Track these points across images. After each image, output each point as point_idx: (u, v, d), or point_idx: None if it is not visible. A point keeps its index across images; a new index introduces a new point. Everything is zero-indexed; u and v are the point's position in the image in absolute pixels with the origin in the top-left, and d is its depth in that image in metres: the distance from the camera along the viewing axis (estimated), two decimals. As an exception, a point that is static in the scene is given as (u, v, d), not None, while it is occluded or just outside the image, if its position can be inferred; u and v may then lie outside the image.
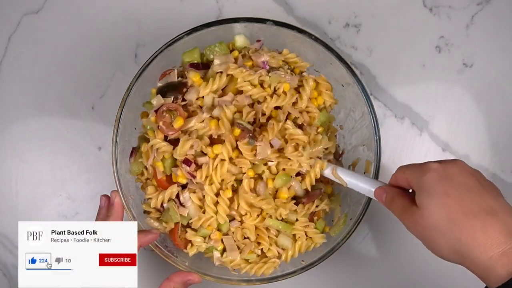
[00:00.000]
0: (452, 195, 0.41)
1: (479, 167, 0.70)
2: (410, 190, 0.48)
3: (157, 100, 0.56)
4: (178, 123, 0.55)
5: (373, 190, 0.51)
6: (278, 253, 0.60)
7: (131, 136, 0.61)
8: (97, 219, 0.55)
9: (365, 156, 0.60)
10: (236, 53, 0.59)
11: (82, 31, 0.72)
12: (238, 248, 0.59)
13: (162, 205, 0.58)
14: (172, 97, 0.56)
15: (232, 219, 0.59)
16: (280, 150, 0.56)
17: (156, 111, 0.56)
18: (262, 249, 0.60)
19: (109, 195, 0.56)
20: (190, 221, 0.58)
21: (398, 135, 0.70)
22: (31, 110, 0.71)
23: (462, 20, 0.71)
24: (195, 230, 0.59)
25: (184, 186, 0.58)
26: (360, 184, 0.53)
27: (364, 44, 0.71)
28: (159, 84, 0.59)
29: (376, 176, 0.57)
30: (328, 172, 0.56)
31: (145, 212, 0.61)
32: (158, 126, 0.56)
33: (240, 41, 0.60)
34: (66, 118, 0.71)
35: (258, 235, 0.59)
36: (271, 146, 0.55)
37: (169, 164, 0.57)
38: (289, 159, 0.56)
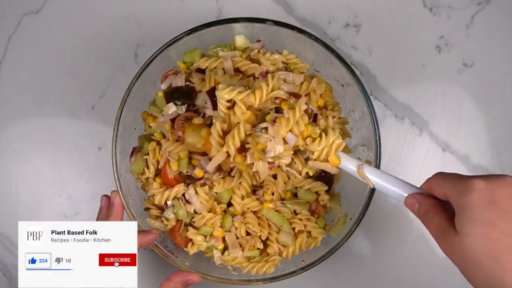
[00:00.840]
0: (498, 225, 0.36)
1: (479, 167, 0.70)
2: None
3: (171, 108, 0.57)
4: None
5: (406, 195, 0.45)
6: (279, 250, 0.60)
7: (131, 136, 0.61)
8: (97, 219, 0.56)
9: (365, 156, 0.60)
10: (240, 52, 0.60)
11: (82, 31, 0.72)
12: (240, 245, 0.60)
13: (165, 203, 0.59)
14: (186, 105, 0.57)
15: (234, 215, 0.60)
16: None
17: (172, 120, 0.57)
18: (263, 244, 0.61)
19: (109, 195, 0.56)
20: (192, 220, 0.59)
21: (398, 135, 0.70)
22: (31, 110, 0.71)
23: (462, 20, 0.71)
24: (196, 228, 0.60)
25: (188, 184, 0.59)
26: (389, 187, 0.47)
27: (364, 44, 0.71)
28: (163, 87, 0.59)
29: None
30: (352, 169, 0.50)
31: (145, 209, 0.61)
32: (178, 135, 0.57)
33: (240, 41, 0.60)
34: (66, 118, 0.71)
35: (259, 224, 0.60)
36: (285, 142, 0.50)
37: (185, 163, 0.58)
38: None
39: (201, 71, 0.59)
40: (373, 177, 0.48)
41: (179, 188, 0.58)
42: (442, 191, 0.41)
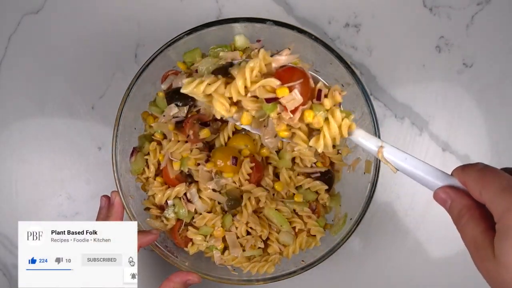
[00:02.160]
0: None
1: (479, 167, 0.69)
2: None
3: (172, 110, 0.57)
4: (204, 133, 0.57)
5: (440, 184, 0.38)
6: (280, 249, 0.60)
7: (131, 136, 0.61)
8: (97, 219, 0.56)
9: (365, 156, 0.60)
10: (240, 53, 0.60)
11: (82, 31, 0.72)
12: (241, 245, 0.60)
13: (166, 202, 0.59)
14: (188, 106, 0.57)
15: (235, 214, 0.60)
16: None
17: (181, 122, 0.57)
18: (264, 243, 0.61)
19: (109, 195, 0.56)
20: (193, 220, 0.59)
21: (398, 135, 0.70)
22: (31, 110, 0.71)
23: (462, 20, 0.71)
24: (196, 228, 0.60)
25: (190, 183, 0.60)
26: (416, 173, 0.40)
27: (364, 44, 0.71)
28: (163, 87, 0.59)
29: (376, 177, 0.57)
30: (372, 148, 0.43)
31: (145, 209, 0.61)
32: (188, 135, 0.57)
33: (240, 41, 0.60)
34: (66, 118, 0.71)
35: (260, 223, 0.60)
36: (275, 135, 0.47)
37: (187, 162, 0.58)
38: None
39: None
40: (396, 160, 0.41)
41: (181, 188, 0.58)
42: (481, 199, 0.34)
